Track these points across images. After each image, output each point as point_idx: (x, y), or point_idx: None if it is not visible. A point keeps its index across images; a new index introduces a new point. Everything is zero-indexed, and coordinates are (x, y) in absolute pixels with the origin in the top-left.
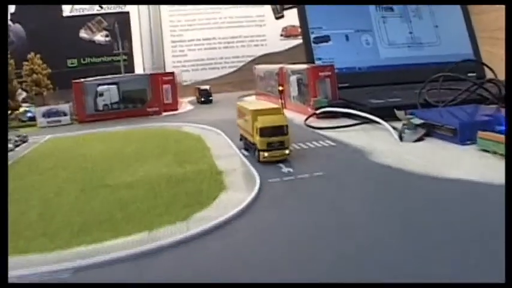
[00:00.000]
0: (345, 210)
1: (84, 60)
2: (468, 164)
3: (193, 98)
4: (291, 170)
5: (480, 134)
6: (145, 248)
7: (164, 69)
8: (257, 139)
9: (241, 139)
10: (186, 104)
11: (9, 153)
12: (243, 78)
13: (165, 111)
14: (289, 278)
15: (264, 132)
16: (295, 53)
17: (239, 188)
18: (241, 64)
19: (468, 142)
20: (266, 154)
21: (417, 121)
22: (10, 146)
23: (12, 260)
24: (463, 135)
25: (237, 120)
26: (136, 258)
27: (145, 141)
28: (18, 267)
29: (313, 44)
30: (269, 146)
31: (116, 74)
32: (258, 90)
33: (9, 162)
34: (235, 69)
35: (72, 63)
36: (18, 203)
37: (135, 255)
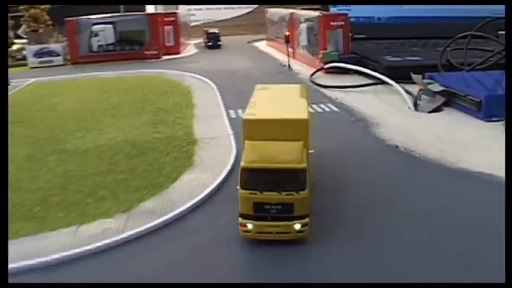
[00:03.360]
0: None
1: None
2: (493, 151)
3: (200, 41)
4: None
5: None
6: (58, 256)
7: (177, 7)
8: (238, 190)
9: None
10: (191, 47)
11: None
12: (257, 20)
13: (166, 54)
14: None
15: (250, 178)
16: None
17: (208, 166)
18: (256, 6)
19: (494, 119)
20: (250, 226)
21: (436, 87)
22: None
23: None
24: (489, 110)
25: None
26: (44, 269)
27: (129, 91)
28: None
29: None
30: (259, 210)
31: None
32: (269, 35)
33: None
34: (250, 9)
35: None
36: None
37: (43, 264)
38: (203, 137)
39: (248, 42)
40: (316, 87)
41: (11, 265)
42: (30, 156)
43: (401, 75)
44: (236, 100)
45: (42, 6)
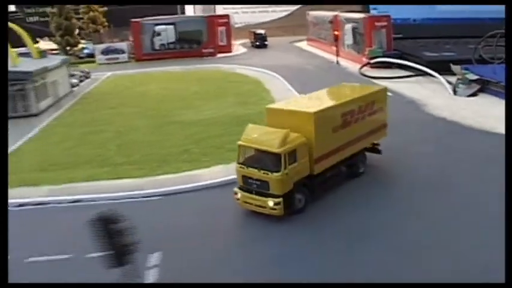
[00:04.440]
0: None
1: None
2: None
3: (245, 41)
4: None
5: None
6: (228, 178)
7: (214, 11)
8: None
9: None
10: (238, 47)
11: (75, 88)
12: (295, 22)
13: (219, 53)
14: None
15: (242, 154)
16: None
17: None
18: (294, 8)
19: None
20: (239, 195)
21: (472, 76)
22: (75, 81)
23: (104, 183)
24: None
25: None
26: (221, 186)
27: (204, 81)
28: (113, 191)
29: None
30: (245, 182)
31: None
32: (310, 36)
33: (77, 98)
34: (287, 13)
35: None
36: (95, 134)
37: (220, 183)
38: None
39: (290, 42)
40: (367, 78)
41: (181, 186)
42: (152, 125)
43: (439, 68)
44: (304, 87)
45: (100, 9)
